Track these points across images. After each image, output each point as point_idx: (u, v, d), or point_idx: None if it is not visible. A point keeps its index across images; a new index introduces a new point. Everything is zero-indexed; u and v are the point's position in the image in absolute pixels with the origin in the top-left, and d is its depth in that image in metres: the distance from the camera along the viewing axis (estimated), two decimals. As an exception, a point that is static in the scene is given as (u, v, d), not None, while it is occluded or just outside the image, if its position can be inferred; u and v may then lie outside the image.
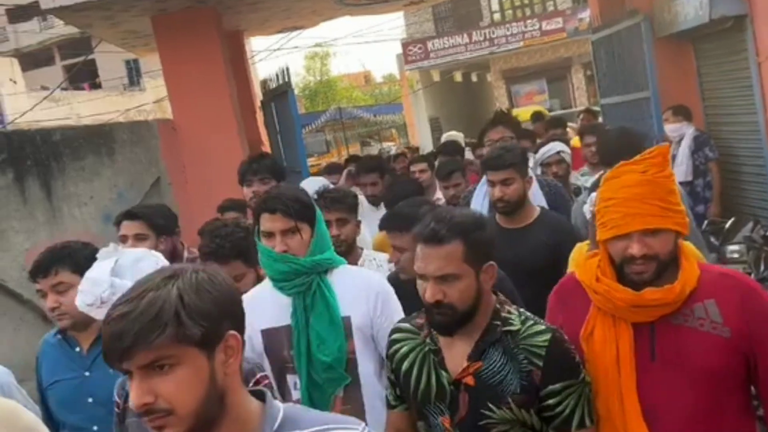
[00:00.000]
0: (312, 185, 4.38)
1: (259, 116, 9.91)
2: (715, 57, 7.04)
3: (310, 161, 22.06)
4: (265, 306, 2.71)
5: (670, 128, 6.96)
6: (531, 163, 5.05)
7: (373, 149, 39.49)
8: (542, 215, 3.69)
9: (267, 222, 2.66)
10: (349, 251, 3.51)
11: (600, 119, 9.29)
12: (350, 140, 32.70)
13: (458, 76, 28.42)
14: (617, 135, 4.25)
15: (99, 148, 6.25)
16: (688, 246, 2.22)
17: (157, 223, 3.91)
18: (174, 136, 7.04)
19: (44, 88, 28.38)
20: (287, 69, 8.06)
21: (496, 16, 27.22)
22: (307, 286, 2.66)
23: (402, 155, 10.00)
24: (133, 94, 31.83)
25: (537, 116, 10.30)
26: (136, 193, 6.46)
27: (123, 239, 3.82)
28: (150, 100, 27.34)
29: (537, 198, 4.02)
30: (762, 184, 6.51)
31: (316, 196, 3.39)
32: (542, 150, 4.91)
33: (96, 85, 36.70)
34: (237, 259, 3.03)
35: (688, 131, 6.90)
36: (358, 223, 3.64)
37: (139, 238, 3.78)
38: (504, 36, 25.21)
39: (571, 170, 5.01)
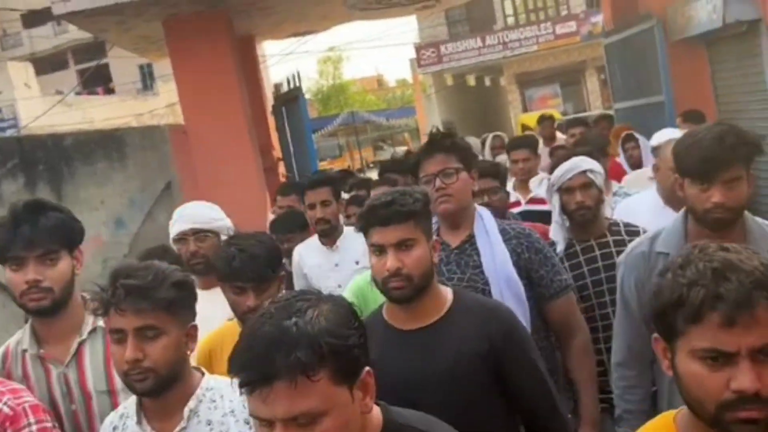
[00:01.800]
0: (188, 217, 3.24)
1: (271, 121, 9.92)
2: (729, 61, 6.97)
3: (323, 165, 22.13)
4: None
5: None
6: (543, 190, 3.88)
7: (386, 153, 39.59)
8: (460, 300, 2.22)
9: None
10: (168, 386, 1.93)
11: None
12: (363, 144, 32.76)
13: (471, 80, 28.36)
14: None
15: (110, 153, 6.27)
16: None
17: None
18: (185, 141, 7.05)
19: (59, 92, 28.60)
20: (298, 74, 8.08)
21: (510, 20, 27.13)
22: None
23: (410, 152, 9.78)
24: (146, 99, 32.01)
25: (544, 120, 8.59)
26: (147, 198, 6.46)
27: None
28: (163, 104, 27.48)
29: (498, 263, 2.69)
30: (777, 189, 6.44)
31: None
32: (561, 169, 3.37)
33: (110, 90, 36.94)
34: None
35: (701, 136, 6.84)
36: (189, 331, 1.98)
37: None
38: (518, 40, 25.13)
39: (604, 198, 3.42)
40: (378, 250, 2.16)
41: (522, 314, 2.56)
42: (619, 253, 2.84)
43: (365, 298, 2.99)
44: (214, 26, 7.22)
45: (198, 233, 3.18)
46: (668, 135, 4.53)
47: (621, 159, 5.71)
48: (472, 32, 26.19)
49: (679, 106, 7.19)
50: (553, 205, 3.39)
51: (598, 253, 3.20)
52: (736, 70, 6.86)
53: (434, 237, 2.28)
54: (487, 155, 7.56)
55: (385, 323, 2.22)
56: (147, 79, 37.51)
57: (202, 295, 2.18)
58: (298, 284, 4.03)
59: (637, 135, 5.70)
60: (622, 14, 8.74)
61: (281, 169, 9.72)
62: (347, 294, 3.11)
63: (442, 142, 2.82)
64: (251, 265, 2.46)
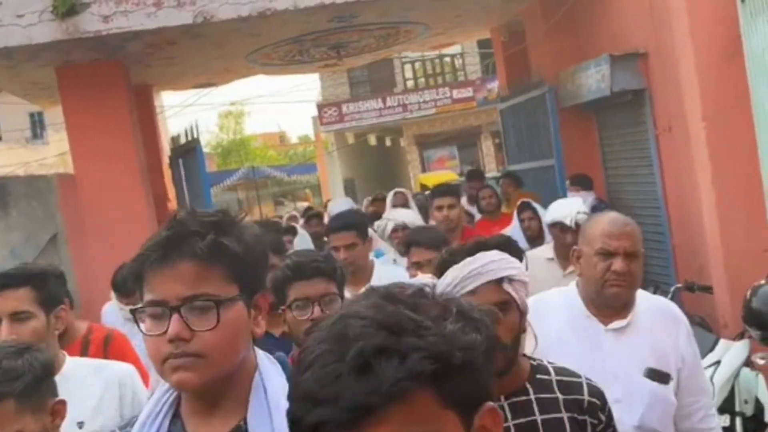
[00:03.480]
0: None
1: (168, 172, 9.69)
2: (616, 128, 7.33)
3: (221, 220, 21.68)
4: None
5: (570, 197, 7.17)
6: (447, 286, 2.12)
7: (287, 208, 39.45)
8: None
9: None
10: None
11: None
12: (264, 199, 32.45)
13: (372, 140, 28.78)
14: None
15: (-9, 201, 5.93)
16: None
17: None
18: (74, 191, 6.76)
19: (-60, 137, 27.08)
20: (196, 124, 7.96)
21: (410, 83, 27.91)
22: None
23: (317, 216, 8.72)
24: (36, 147, 30.73)
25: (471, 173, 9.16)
26: (31, 249, 6.14)
27: None
28: (53, 153, 26.45)
29: None
30: (661, 251, 6.73)
31: None
32: (458, 271, 1.92)
33: (-3, 137, 35.26)
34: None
35: (588, 200, 7.10)
36: None
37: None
38: (417, 102, 25.82)
39: (526, 325, 2.03)
40: None
41: None
42: (547, 422, 1.83)
43: None
44: (110, 75, 7.03)
45: None
46: (570, 206, 4.21)
47: (515, 229, 5.08)
48: (374, 93, 26.70)
49: (569, 170, 7.47)
50: None
51: (511, 423, 1.84)
52: (622, 137, 7.21)
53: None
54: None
55: None
56: (37, 127, 36.08)
57: None
58: None
59: (535, 205, 5.52)
60: (517, 81, 9.10)
61: (177, 222, 9.45)
62: None
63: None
64: None
